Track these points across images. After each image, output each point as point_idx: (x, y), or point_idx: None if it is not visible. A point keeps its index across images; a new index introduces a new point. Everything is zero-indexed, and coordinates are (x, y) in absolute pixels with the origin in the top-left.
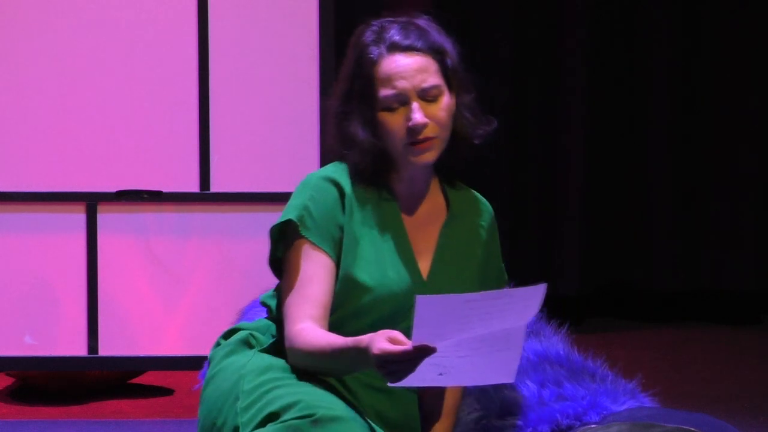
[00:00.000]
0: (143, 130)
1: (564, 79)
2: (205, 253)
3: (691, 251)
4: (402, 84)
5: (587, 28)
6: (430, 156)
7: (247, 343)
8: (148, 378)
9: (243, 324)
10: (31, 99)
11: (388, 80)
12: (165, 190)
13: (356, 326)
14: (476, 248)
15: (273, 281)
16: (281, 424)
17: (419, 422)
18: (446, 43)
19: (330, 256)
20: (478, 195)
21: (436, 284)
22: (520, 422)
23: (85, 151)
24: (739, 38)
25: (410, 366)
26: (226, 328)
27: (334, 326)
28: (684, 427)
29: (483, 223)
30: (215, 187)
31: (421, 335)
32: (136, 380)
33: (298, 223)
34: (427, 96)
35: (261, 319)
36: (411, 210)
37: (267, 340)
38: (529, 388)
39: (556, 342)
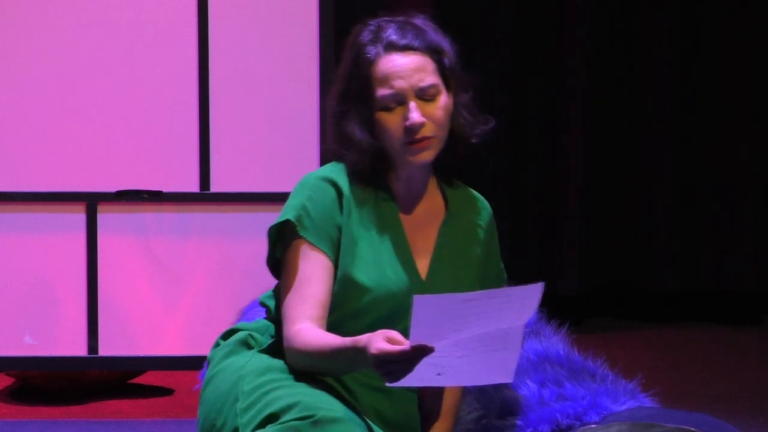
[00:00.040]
0: (143, 130)
1: (564, 79)
2: (205, 253)
3: (691, 251)
4: (399, 83)
5: (587, 28)
6: (427, 155)
7: (246, 344)
8: (148, 378)
9: (242, 324)
10: (31, 99)
11: (386, 80)
12: (165, 190)
13: (355, 326)
14: (475, 247)
15: (273, 281)
16: (281, 425)
17: (419, 422)
18: (443, 43)
19: (328, 256)
20: (476, 193)
21: (435, 284)
22: (520, 422)
23: (85, 151)
24: (739, 38)
25: (408, 366)
26: (225, 329)
27: (332, 326)
28: (684, 427)
29: (481, 221)
30: (215, 187)
31: (418, 335)
32: (136, 380)
33: (296, 224)
34: (424, 95)
35: (260, 320)
36: (409, 209)
37: (266, 341)
38: (529, 388)
39: (556, 342)
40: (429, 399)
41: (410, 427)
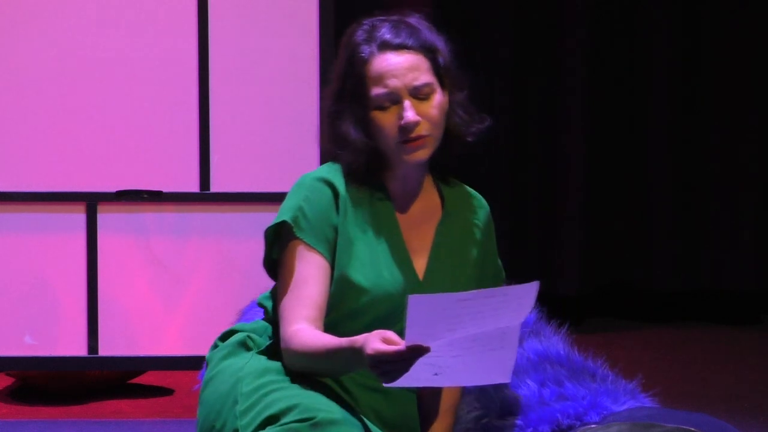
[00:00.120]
0: (143, 130)
1: (564, 79)
2: (205, 253)
3: (691, 251)
4: (393, 82)
5: (587, 28)
6: (423, 154)
7: (245, 346)
8: (148, 378)
9: (240, 325)
10: (31, 99)
11: (380, 79)
12: (165, 190)
13: (352, 327)
14: (472, 246)
15: (273, 281)
16: (280, 427)
17: (418, 422)
18: (438, 41)
19: (325, 257)
20: (473, 191)
21: (432, 284)
22: (520, 422)
23: (85, 151)
24: (739, 38)
25: (404, 366)
26: (225, 329)
27: (329, 327)
28: (684, 427)
29: (478, 219)
30: (215, 187)
31: (414, 335)
32: (136, 380)
33: (293, 225)
34: (419, 94)
35: (258, 321)
36: (405, 209)
37: (264, 342)
38: (529, 388)
39: (557, 342)
40: (428, 399)
41: (409, 427)
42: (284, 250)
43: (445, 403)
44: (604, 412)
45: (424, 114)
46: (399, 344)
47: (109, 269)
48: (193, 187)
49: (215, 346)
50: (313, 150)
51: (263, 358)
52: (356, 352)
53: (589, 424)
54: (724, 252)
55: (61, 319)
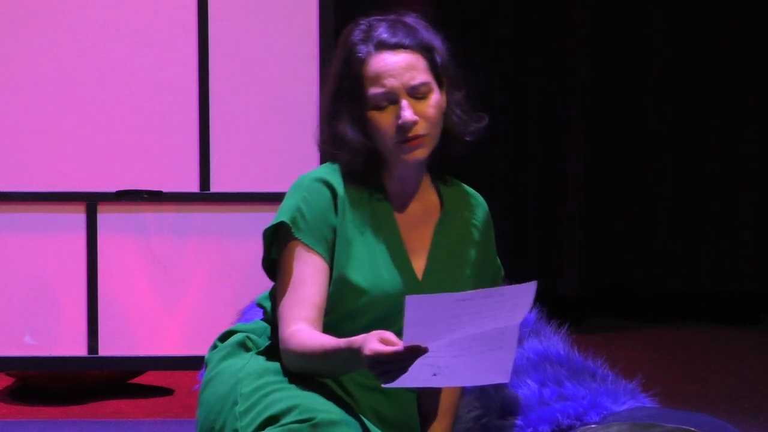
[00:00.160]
0: (143, 130)
1: (564, 79)
2: (205, 253)
3: (691, 251)
4: (391, 82)
5: (587, 28)
6: (420, 153)
7: (244, 346)
8: (148, 378)
9: (239, 326)
10: (32, 99)
11: (377, 79)
12: (165, 190)
13: (351, 327)
14: (471, 245)
15: (272, 282)
16: (280, 428)
17: (418, 422)
18: (435, 40)
19: (323, 258)
20: (471, 190)
21: (431, 284)
22: (520, 422)
23: (85, 151)
24: (739, 38)
25: (402, 366)
26: (225, 329)
27: (328, 328)
28: (684, 427)
29: (477, 218)
30: (215, 187)
31: (411, 335)
32: (136, 380)
33: (291, 225)
34: (416, 93)
35: (257, 321)
36: (404, 209)
37: (264, 343)
38: (529, 388)
39: (557, 342)
40: (427, 399)
41: (409, 427)
42: (283, 250)
43: (445, 403)
44: (604, 412)
45: (421, 113)
46: (397, 345)
47: (109, 269)
48: (193, 187)
49: (214, 346)
50: (313, 150)
51: (262, 358)
52: (354, 352)
53: (589, 424)
54: (724, 252)
55: (61, 319)
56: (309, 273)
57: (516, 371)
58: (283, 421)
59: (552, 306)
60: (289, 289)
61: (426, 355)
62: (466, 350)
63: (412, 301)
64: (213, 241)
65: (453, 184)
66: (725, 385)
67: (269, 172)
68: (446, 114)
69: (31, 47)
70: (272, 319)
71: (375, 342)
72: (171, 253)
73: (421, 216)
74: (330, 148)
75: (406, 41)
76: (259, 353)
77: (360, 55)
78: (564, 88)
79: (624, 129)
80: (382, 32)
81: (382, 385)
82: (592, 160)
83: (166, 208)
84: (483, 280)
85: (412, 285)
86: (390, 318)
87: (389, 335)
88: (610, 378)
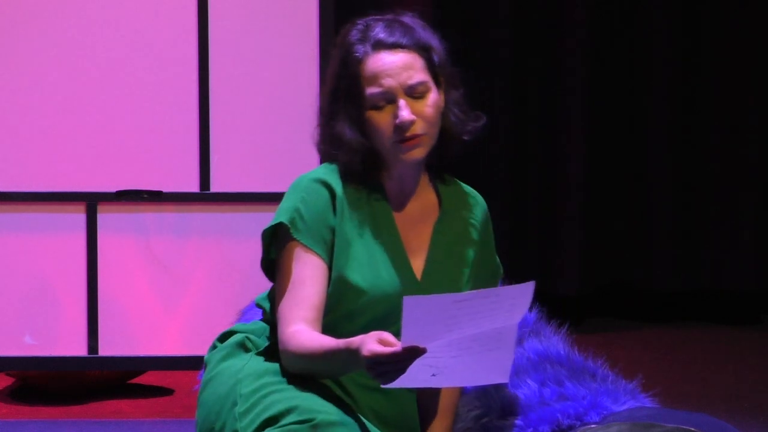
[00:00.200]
0: (143, 130)
1: (564, 79)
2: (205, 253)
3: (691, 251)
4: (388, 82)
5: (587, 28)
6: (418, 153)
7: (243, 347)
8: (148, 378)
9: (238, 326)
10: (32, 99)
11: (374, 78)
12: (165, 190)
13: (350, 328)
14: (470, 244)
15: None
16: (280, 429)
17: (418, 422)
18: (432, 40)
19: (322, 258)
20: (469, 188)
21: (430, 284)
22: (521, 422)
23: (85, 151)
24: (739, 38)
25: (400, 367)
26: (224, 329)
27: (327, 328)
28: (684, 427)
29: (476, 217)
30: (215, 187)
31: (409, 336)
32: (136, 380)
33: (290, 226)
34: (413, 93)
35: (256, 321)
36: (402, 208)
37: (263, 343)
38: (530, 388)
39: (557, 342)
40: (427, 398)
41: (409, 427)
42: (281, 251)
43: (445, 403)
44: (605, 412)
45: (419, 113)
46: (395, 345)
47: (109, 269)
48: (193, 187)
49: (214, 347)
50: (313, 150)
51: (262, 359)
52: (353, 353)
53: (590, 424)
54: (724, 252)
55: (61, 319)
56: (308, 274)
57: (516, 371)
58: (282, 422)
59: (552, 306)
60: (288, 289)
61: (424, 355)
62: (465, 350)
63: (409, 302)
64: (213, 241)
65: (451, 183)
66: (725, 385)
67: (269, 172)
68: (444, 113)
69: (31, 47)
70: (271, 319)
71: (373, 343)
72: (171, 253)
73: (419, 215)
74: (328, 148)
75: (404, 41)
76: (259, 354)
77: (357, 55)
78: (564, 88)
79: (624, 129)
80: (379, 32)
81: (381, 386)
82: (592, 160)
83: (166, 208)
84: (482, 279)
85: (411, 285)
86: (389, 318)
87: (387, 336)
88: (610, 378)
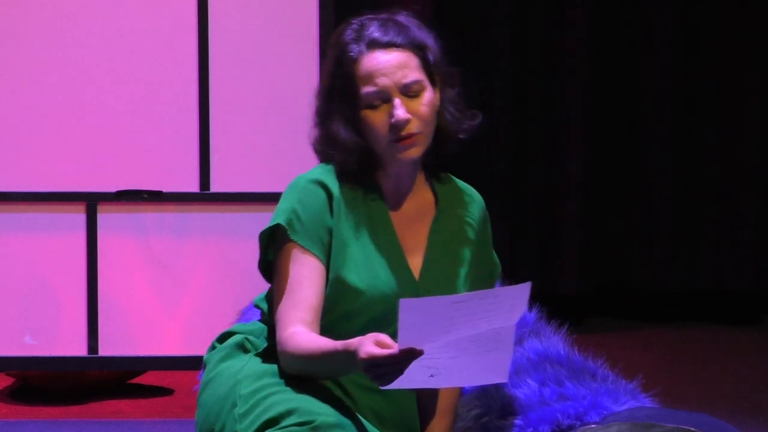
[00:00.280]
0: (143, 130)
1: (564, 79)
2: (205, 253)
3: (691, 251)
4: (383, 81)
5: (587, 28)
6: (415, 152)
7: (243, 348)
8: (148, 378)
9: (237, 327)
10: (32, 99)
11: (369, 77)
12: (165, 190)
13: (348, 328)
14: (467, 242)
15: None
16: (280, 430)
17: (418, 421)
18: (427, 38)
19: (320, 259)
20: (465, 185)
21: (428, 283)
22: (521, 422)
23: (85, 151)
24: (739, 38)
25: (397, 369)
26: (224, 329)
27: (326, 329)
28: (684, 427)
29: (472, 215)
30: (215, 187)
31: (406, 338)
32: (136, 380)
33: (287, 227)
34: (408, 92)
35: (255, 322)
36: (399, 207)
37: (262, 344)
38: (530, 387)
39: (557, 342)
40: (427, 398)
41: (409, 426)
42: (279, 253)
43: (445, 402)
44: (605, 412)
45: (414, 112)
46: (392, 347)
47: (109, 269)
48: (193, 187)
49: (213, 347)
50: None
51: (261, 360)
52: (350, 355)
53: (590, 424)
54: (724, 252)
55: (61, 319)
56: (305, 275)
57: (516, 371)
58: (282, 424)
59: (552, 306)
60: (285, 291)
61: (422, 357)
62: (463, 351)
63: (406, 304)
64: (213, 241)
65: (447, 180)
66: (725, 385)
67: (269, 172)
68: (440, 112)
69: (31, 47)
70: (269, 320)
71: (370, 345)
72: (171, 253)
73: (416, 214)
74: (324, 148)
75: (398, 39)
76: (258, 355)
77: (352, 54)
78: (564, 88)
79: (624, 129)
80: (374, 31)
81: (380, 387)
82: (592, 160)
83: (166, 208)
84: (480, 276)
85: (409, 284)
86: (387, 318)
87: (384, 338)
88: (610, 378)
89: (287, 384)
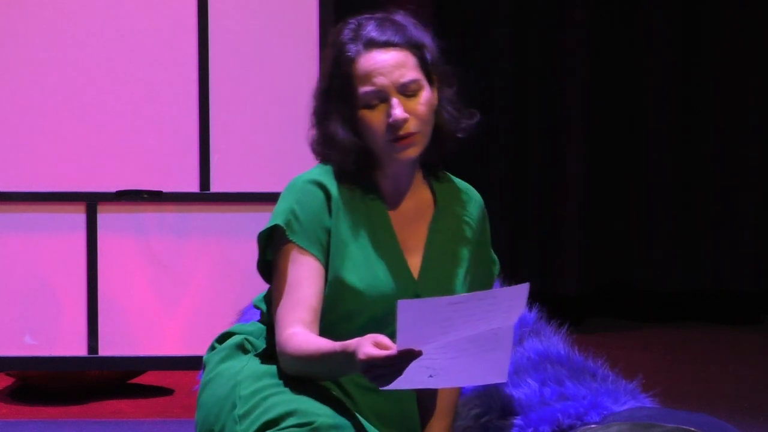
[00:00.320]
0: (143, 130)
1: (564, 79)
2: (205, 253)
3: (691, 251)
4: (380, 80)
5: (587, 28)
6: (413, 152)
7: (242, 348)
8: (148, 378)
9: (237, 327)
10: (31, 99)
11: (367, 77)
12: (165, 190)
13: (348, 329)
14: (466, 240)
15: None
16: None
17: (418, 421)
18: (425, 37)
19: (318, 260)
20: (463, 184)
21: (427, 282)
22: (521, 422)
23: (85, 151)
24: (739, 38)
25: (396, 370)
26: (224, 329)
27: (325, 330)
28: (684, 427)
29: (470, 214)
30: (215, 187)
31: (405, 339)
32: (136, 380)
33: (285, 228)
34: (406, 91)
35: (254, 322)
36: (397, 207)
37: (262, 345)
38: (530, 387)
39: (557, 342)
40: (427, 397)
41: (409, 426)
42: (278, 253)
43: (444, 402)
44: (605, 412)
45: (412, 111)
46: (391, 348)
47: (109, 269)
48: (193, 187)
49: (212, 348)
50: None
51: (261, 361)
52: (349, 356)
53: (590, 423)
54: (724, 252)
55: (61, 319)
56: (304, 275)
57: (516, 371)
58: (282, 425)
59: (552, 306)
60: (284, 291)
61: (421, 357)
62: (462, 352)
63: (404, 306)
64: (213, 241)
65: (445, 179)
66: (725, 385)
67: (269, 172)
68: (437, 111)
69: (31, 47)
70: (269, 320)
71: (369, 346)
72: (171, 253)
73: (414, 214)
74: (322, 148)
75: (395, 39)
76: (257, 355)
77: (349, 54)
78: (564, 88)
79: (624, 129)
80: (371, 30)
81: (379, 388)
82: (592, 160)
83: (166, 208)
84: (479, 275)
85: (409, 284)
86: (387, 318)
87: (383, 339)
88: (610, 378)
89: (287, 385)
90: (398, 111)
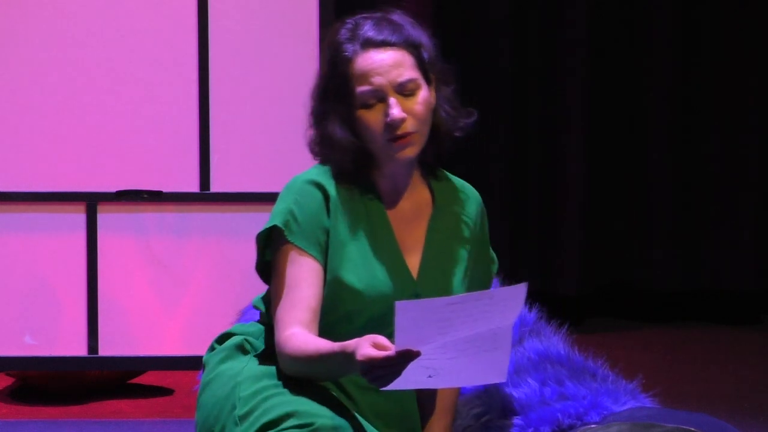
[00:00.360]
0: (143, 130)
1: (564, 79)
2: (205, 253)
3: (691, 251)
4: (378, 80)
5: (587, 28)
6: (411, 151)
7: (242, 349)
8: (148, 378)
9: (237, 328)
10: (32, 99)
11: (364, 77)
12: (165, 190)
13: (347, 329)
14: (464, 239)
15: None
16: None
17: (418, 421)
18: (422, 37)
19: (317, 260)
20: (462, 182)
21: (426, 282)
22: (521, 421)
23: (85, 151)
24: (739, 38)
25: (395, 371)
26: (224, 330)
27: (325, 330)
28: (684, 427)
29: (468, 213)
30: (215, 187)
31: (403, 340)
32: (136, 380)
33: (284, 229)
34: (404, 90)
35: (254, 323)
36: (395, 206)
37: (261, 345)
38: (530, 387)
39: (557, 342)
40: (427, 397)
41: (409, 426)
42: (276, 254)
43: (444, 402)
44: (605, 412)
45: (409, 110)
46: (389, 349)
47: (109, 269)
48: (193, 187)
49: (212, 348)
50: None
51: (260, 361)
52: (348, 357)
53: (590, 423)
54: (724, 252)
55: (61, 319)
56: (303, 276)
57: (517, 370)
58: (282, 426)
59: (552, 306)
60: (283, 292)
61: (420, 358)
62: (460, 352)
63: (401, 306)
64: (213, 241)
65: (443, 178)
66: (725, 385)
67: (269, 172)
68: (435, 110)
69: (31, 47)
70: (268, 321)
71: (367, 347)
72: (171, 253)
73: (413, 213)
74: (320, 148)
75: (393, 38)
76: (257, 356)
77: (346, 54)
78: (564, 88)
79: (624, 129)
80: (368, 30)
81: (379, 389)
82: (592, 160)
83: (166, 208)
84: (478, 273)
85: (408, 284)
86: (386, 318)
87: (382, 340)
88: (610, 378)
89: (286, 386)
90: (396, 111)
